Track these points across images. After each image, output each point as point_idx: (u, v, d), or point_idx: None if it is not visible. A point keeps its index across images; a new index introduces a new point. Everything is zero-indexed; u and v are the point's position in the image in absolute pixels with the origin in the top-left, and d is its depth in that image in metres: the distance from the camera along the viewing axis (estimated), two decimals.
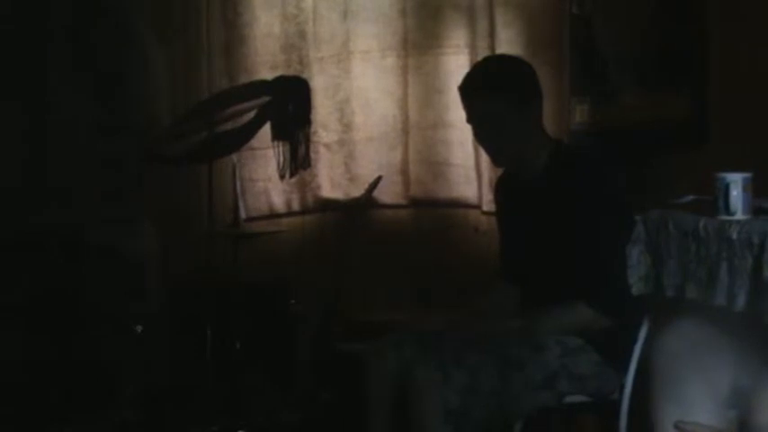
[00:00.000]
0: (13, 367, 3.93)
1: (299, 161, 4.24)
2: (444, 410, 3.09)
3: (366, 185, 4.45)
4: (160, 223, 4.31)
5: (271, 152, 4.43)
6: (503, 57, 4.03)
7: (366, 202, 4.49)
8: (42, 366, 3.99)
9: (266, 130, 4.11)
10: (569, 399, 3.16)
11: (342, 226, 4.59)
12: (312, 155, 4.69)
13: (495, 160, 3.52)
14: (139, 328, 3.67)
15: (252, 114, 4.12)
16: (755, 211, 2.90)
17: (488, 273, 3.71)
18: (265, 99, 4.09)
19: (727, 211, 2.88)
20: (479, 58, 4.29)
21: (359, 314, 4.22)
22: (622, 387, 2.95)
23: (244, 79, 4.67)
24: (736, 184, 2.87)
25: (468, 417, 3.10)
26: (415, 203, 4.81)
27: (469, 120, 3.38)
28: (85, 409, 3.79)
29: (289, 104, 4.09)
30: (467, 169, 4.64)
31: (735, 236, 2.82)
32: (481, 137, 3.42)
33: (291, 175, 4.30)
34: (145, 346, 3.78)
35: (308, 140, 4.16)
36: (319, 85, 4.73)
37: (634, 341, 2.92)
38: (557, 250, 3.29)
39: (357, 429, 3.37)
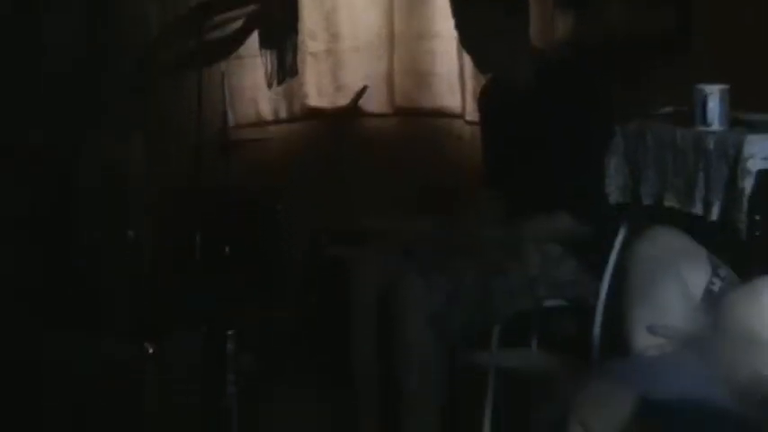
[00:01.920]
0: (11, 275, 3.95)
1: (286, 70, 4.24)
2: (427, 315, 3.12)
3: (352, 94, 4.45)
4: (150, 131, 4.30)
5: (258, 60, 4.42)
6: None
7: (352, 110, 4.48)
8: (39, 273, 4.01)
9: (254, 38, 4.09)
10: (547, 303, 3.21)
11: (328, 134, 4.59)
12: (299, 64, 4.68)
13: (481, 67, 3.50)
14: (131, 234, 3.68)
15: (240, 23, 4.10)
16: (732, 123, 2.92)
17: (472, 181, 3.73)
18: (253, 7, 4.06)
19: (705, 122, 2.90)
20: None
21: (345, 220, 4.24)
22: (598, 293, 2.98)
23: None
24: (713, 96, 2.88)
25: (450, 321, 3.14)
26: (400, 113, 4.81)
27: (457, 25, 3.37)
28: (81, 314, 3.82)
29: (276, 13, 4.06)
30: (451, 79, 4.63)
31: (711, 147, 2.85)
32: (468, 43, 3.40)
33: (279, 84, 4.30)
34: (136, 252, 3.80)
35: (295, 49, 4.15)
36: None
37: (611, 248, 2.95)
38: (539, 159, 3.30)
39: (342, 333, 3.42)
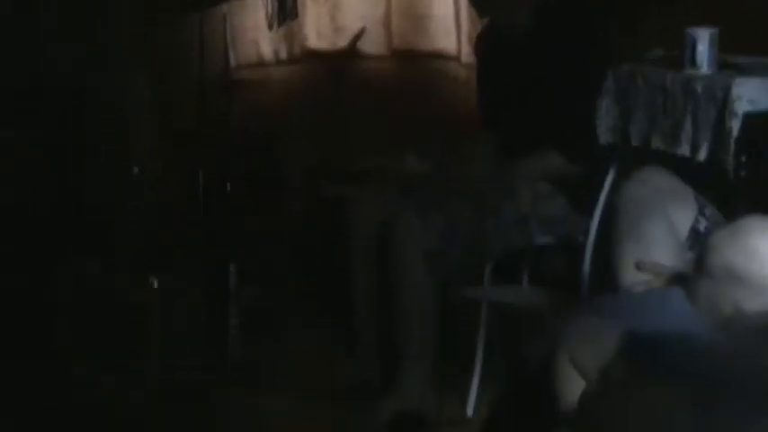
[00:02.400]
0: (15, 206, 3.95)
1: (287, 12, 4.20)
2: (423, 252, 3.13)
3: (350, 37, 4.42)
4: (155, 71, 4.28)
5: (260, 2, 4.37)
6: None
7: (350, 52, 4.46)
8: (45, 206, 4.02)
9: None
10: (539, 241, 3.22)
11: (327, 75, 4.57)
12: (299, 6, 4.64)
13: (479, 9, 3.48)
14: (136, 170, 3.68)
15: None
16: (720, 66, 2.91)
17: (467, 121, 3.72)
18: None
19: (694, 65, 2.88)
20: None
21: (344, 160, 4.23)
22: (588, 230, 2.99)
23: None
24: (702, 39, 2.87)
25: (445, 258, 3.15)
26: (397, 55, 4.78)
27: None
28: (89, 245, 3.83)
29: None
30: (447, 22, 4.60)
31: (700, 90, 2.84)
32: None
33: (279, 26, 4.26)
34: (141, 188, 3.80)
35: None
36: None
37: (600, 188, 2.95)
38: (533, 99, 3.29)
39: (341, 268, 3.43)
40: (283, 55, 4.75)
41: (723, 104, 2.76)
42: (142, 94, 4.20)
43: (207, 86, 4.02)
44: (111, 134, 4.10)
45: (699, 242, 2.43)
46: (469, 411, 3.16)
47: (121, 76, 4.17)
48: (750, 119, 2.74)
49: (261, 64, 4.71)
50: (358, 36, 4.33)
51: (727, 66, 2.89)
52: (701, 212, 2.55)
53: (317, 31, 4.78)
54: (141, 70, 4.24)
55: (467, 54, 4.34)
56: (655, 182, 2.57)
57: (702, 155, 2.79)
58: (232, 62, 4.53)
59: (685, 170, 2.66)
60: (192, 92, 4.02)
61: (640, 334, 1.61)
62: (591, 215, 2.96)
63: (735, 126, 2.73)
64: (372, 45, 4.71)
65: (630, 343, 1.32)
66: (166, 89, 4.29)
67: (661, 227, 2.50)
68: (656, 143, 2.91)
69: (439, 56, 4.68)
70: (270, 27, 4.20)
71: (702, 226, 2.52)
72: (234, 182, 3.89)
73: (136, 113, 4.15)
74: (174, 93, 4.29)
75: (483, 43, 3.58)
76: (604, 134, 3.03)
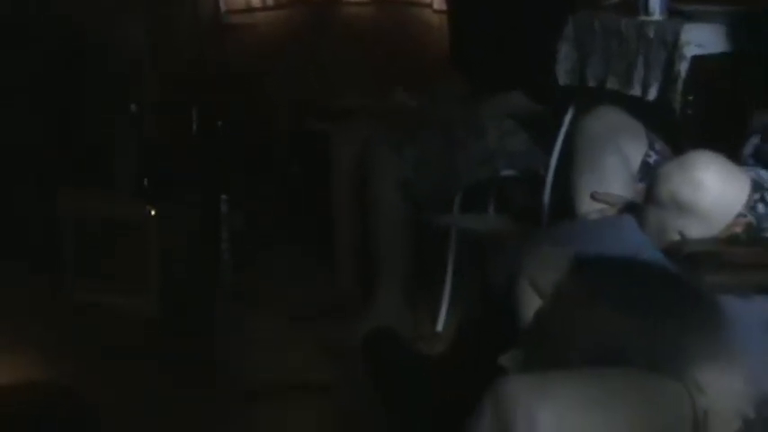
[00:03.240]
0: (18, 145, 3.92)
1: None
2: (397, 181, 3.13)
3: None
4: (151, 16, 4.22)
5: None
6: None
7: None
8: (53, 140, 3.99)
9: None
10: (503, 173, 3.21)
11: (312, 21, 4.52)
12: None
13: None
14: (134, 107, 3.65)
15: None
16: (671, 13, 2.89)
17: (439, 63, 3.70)
18: None
19: (647, 12, 2.87)
20: None
21: (327, 98, 4.20)
22: (548, 164, 2.98)
23: None
24: None
25: (417, 187, 3.15)
26: (376, 2, 4.73)
27: None
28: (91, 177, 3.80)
29: None
30: None
31: (651, 34, 2.82)
32: None
33: None
34: (138, 124, 3.76)
35: None
36: None
37: (560, 125, 2.94)
38: (500, 44, 3.27)
39: (324, 198, 3.42)
40: (270, 1, 4.69)
41: (673, 48, 2.75)
42: (139, 36, 4.14)
43: (199, 30, 3.97)
44: (110, 74, 4.05)
45: (649, 174, 2.43)
46: (439, 328, 3.18)
47: (120, 19, 4.10)
48: (697, 61, 2.74)
49: (249, 9, 4.64)
50: None
51: (677, 13, 2.88)
52: (651, 147, 2.54)
53: None
54: (139, 15, 4.18)
55: (438, 2, 4.31)
56: (609, 119, 2.56)
57: (653, 94, 2.78)
58: (222, 7, 4.48)
59: (637, 108, 2.65)
60: (185, 35, 3.98)
61: (592, 257, 1.61)
62: (551, 150, 2.95)
63: (683, 68, 2.73)
64: None
65: (582, 265, 1.32)
66: (162, 32, 4.24)
67: (614, 160, 2.49)
68: (611, 84, 2.90)
69: (414, 3, 4.64)
70: None
71: (652, 159, 2.51)
72: (225, 118, 3.86)
73: (133, 55, 4.09)
74: (168, 35, 4.23)
75: None
76: (563, 76, 3.01)
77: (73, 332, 3.22)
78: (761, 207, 2.26)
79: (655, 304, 1.14)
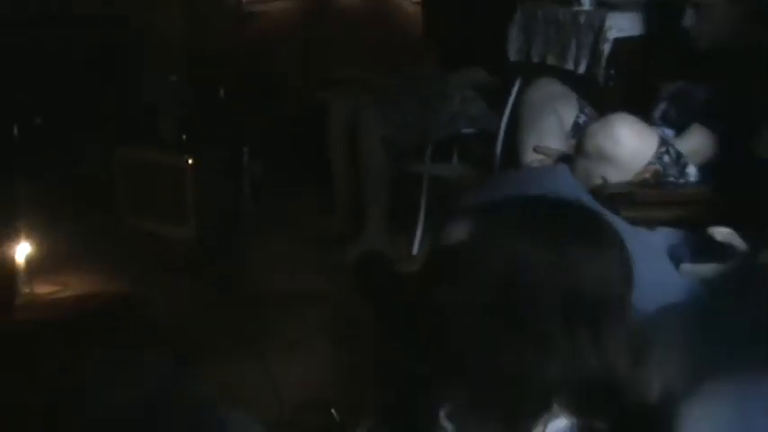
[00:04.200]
0: (87, 110, 3.85)
1: None
2: (381, 137, 3.11)
3: None
4: (186, 6, 4.14)
5: None
6: None
7: None
8: (110, 106, 3.93)
9: None
10: (465, 131, 3.18)
11: (314, 8, 4.45)
12: None
13: None
14: (173, 77, 3.59)
15: None
16: (599, 4, 2.86)
17: (415, 43, 3.65)
18: None
19: (579, 3, 2.84)
20: None
21: (326, 72, 4.14)
22: (500, 124, 2.95)
23: None
24: None
25: (396, 143, 3.12)
26: None
27: None
28: (140, 134, 3.75)
29: None
30: None
31: (582, 21, 2.79)
32: None
33: None
34: (177, 90, 3.71)
35: None
36: None
37: (510, 93, 2.91)
38: (463, 28, 3.23)
39: (325, 150, 3.38)
40: None
41: (599, 32, 2.72)
42: (178, 23, 4.07)
43: (225, 16, 3.90)
44: (155, 52, 3.98)
45: (579, 132, 2.42)
46: (414, 251, 3.17)
47: (164, 10, 4.03)
48: (618, 43, 2.72)
49: (264, 0, 4.56)
50: None
51: (602, 4, 2.85)
52: (581, 110, 2.53)
53: None
54: (176, 6, 4.10)
55: None
56: (548, 89, 2.55)
57: (582, 69, 2.77)
58: None
59: (570, 80, 2.64)
60: (214, 20, 3.91)
61: (533, 197, 1.58)
62: (503, 113, 2.92)
63: (606, 48, 2.71)
64: None
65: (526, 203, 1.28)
66: (195, 19, 4.16)
67: (552, 121, 2.48)
68: (551, 60, 2.88)
69: None
70: None
71: (582, 120, 2.50)
72: (245, 88, 3.81)
73: (173, 38, 4.02)
74: (201, 21, 4.16)
75: None
76: (513, 54, 2.98)
77: (129, 253, 3.20)
78: (666, 158, 2.26)
79: (570, 233, 1.09)
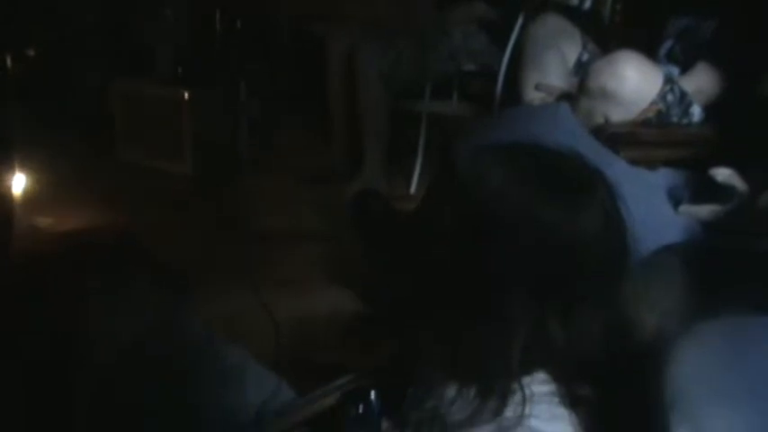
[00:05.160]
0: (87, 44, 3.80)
1: None
2: (378, 74, 3.07)
3: None
4: None
5: None
6: None
7: None
8: (108, 40, 3.87)
9: None
10: (465, 68, 3.13)
11: None
12: None
13: None
14: (169, 12, 3.54)
15: None
16: None
17: None
18: None
19: None
20: None
21: (325, 9, 4.06)
22: (501, 60, 2.91)
23: None
24: None
25: (395, 79, 3.08)
26: None
27: None
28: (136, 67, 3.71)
29: None
30: None
31: None
32: None
33: None
34: (174, 26, 3.65)
35: None
36: None
37: (512, 29, 2.86)
38: None
39: (323, 86, 3.35)
40: None
41: None
42: None
43: None
44: None
45: (582, 70, 2.39)
46: (412, 190, 3.16)
47: None
48: None
49: None
50: None
51: None
52: (584, 47, 2.49)
53: None
54: None
55: None
56: (551, 25, 2.50)
57: (587, 4, 2.72)
58: None
59: (574, 16, 2.59)
60: None
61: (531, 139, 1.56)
62: (505, 49, 2.87)
63: None
64: None
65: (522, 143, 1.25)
66: None
67: (554, 57, 2.44)
68: None
69: None
70: None
71: (585, 58, 2.47)
72: (243, 21, 3.74)
73: None
74: None
75: None
76: None
77: (126, 186, 3.19)
78: (670, 97, 2.23)
79: (552, 188, 1.07)
